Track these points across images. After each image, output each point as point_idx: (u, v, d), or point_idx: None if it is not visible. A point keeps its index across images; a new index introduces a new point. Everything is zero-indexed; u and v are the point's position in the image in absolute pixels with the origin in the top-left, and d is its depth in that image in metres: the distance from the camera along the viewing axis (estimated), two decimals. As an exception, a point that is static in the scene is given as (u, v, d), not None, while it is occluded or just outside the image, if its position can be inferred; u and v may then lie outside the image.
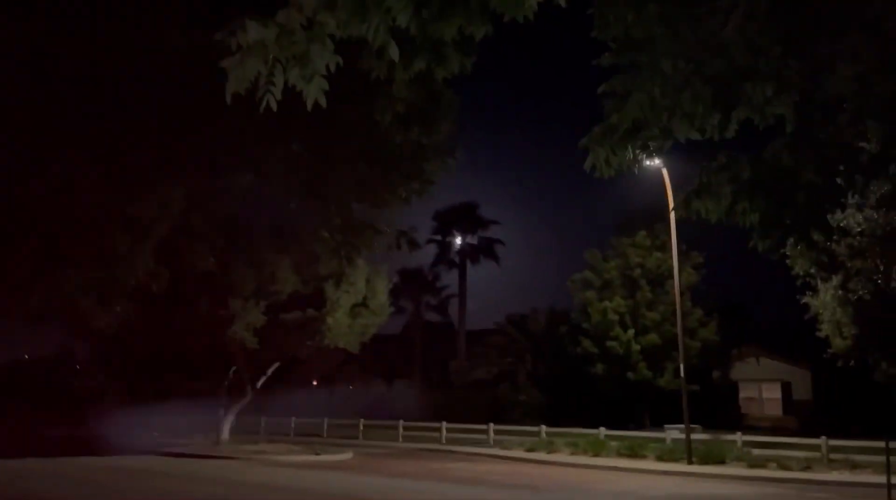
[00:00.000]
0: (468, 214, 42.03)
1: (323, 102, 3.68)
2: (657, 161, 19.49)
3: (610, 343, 28.15)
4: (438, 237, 42.68)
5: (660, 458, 18.20)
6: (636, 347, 27.88)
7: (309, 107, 3.70)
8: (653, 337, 28.14)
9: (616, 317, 28.43)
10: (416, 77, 7.49)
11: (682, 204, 6.00)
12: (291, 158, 8.93)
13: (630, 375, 27.82)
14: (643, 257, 29.59)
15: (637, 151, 5.92)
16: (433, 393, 37.15)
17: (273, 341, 23.32)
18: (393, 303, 27.43)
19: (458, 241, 42.44)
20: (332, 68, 3.58)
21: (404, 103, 8.55)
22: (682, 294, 20.21)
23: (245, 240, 21.84)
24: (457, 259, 42.50)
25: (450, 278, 62.71)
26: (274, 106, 3.63)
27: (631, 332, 28.08)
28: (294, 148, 8.87)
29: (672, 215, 20.16)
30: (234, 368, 24.79)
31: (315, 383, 46.44)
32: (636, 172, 6.31)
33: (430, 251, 42.40)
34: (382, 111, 8.58)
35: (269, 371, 25.11)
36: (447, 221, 42.28)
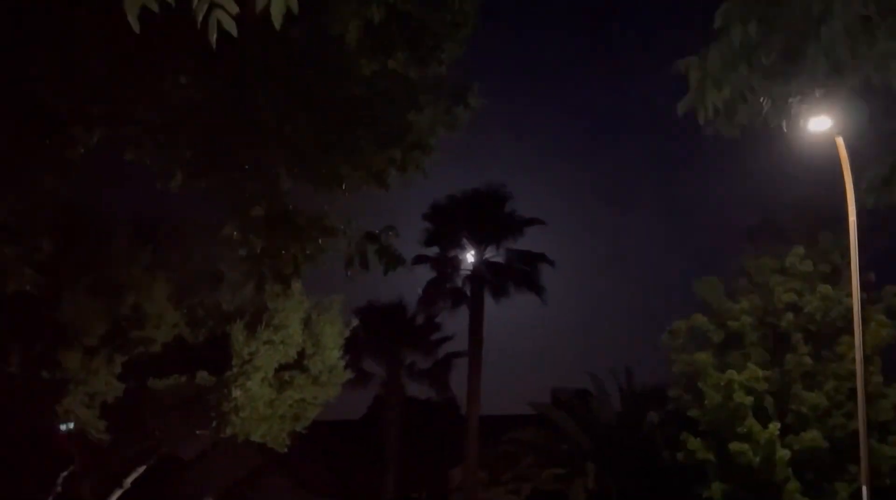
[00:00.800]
0: (490, 211, 41.85)
1: (295, 7, 3.82)
2: (825, 121, 19.35)
3: (737, 446, 27.86)
4: (434, 250, 42.55)
5: None
6: (783, 453, 27.58)
7: (277, 26, 3.87)
8: (813, 436, 27.86)
9: (749, 399, 28.13)
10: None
11: (880, 185, 5.86)
12: (177, 100, 8.75)
13: (772, 502, 27.57)
14: (799, 291, 29.45)
15: (785, 99, 5.82)
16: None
17: (136, 429, 23.24)
18: (351, 364, 27.28)
19: (471, 257, 42.36)
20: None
21: (382, 6, 8.41)
22: (867, 360, 20.01)
23: (90, 245, 21.73)
24: (467, 290, 42.35)
25: (454, 323, 62.53)
26: (233, 30, 3.83)
27: (775, 426, 27.78)
28: (183, 83, 8.70)
29: (852, 218, 20.10)
30: (65, 472, 24.62)
31: (209, 504, 46.34)
32: (784, 127, 6.21)
33: (420, 275, 42.30)
34: (344, 21, 8.45)
35: (128, 481, 24.97)
36: (451, 221, 42.15)
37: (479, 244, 42.23)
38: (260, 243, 9.73)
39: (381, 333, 41.67)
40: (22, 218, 10.51)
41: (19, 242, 10.93)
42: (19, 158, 8.86)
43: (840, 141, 20.37)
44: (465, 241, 42.27)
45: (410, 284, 44.10)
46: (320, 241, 9.96)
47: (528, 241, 43.07)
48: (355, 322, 26.75)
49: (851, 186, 20.21)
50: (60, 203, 11.74)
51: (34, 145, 8.83)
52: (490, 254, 42.51)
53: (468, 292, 42.12)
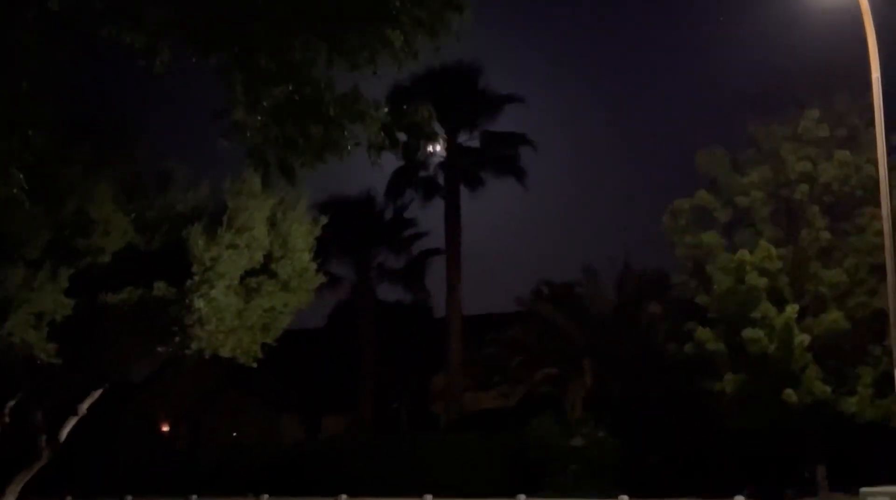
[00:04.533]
0: (461, 89, 41.27)
1: None
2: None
3: (750, 332, 28.04)
4: (401, 137, 41.89)
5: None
6: (801, 337, 27.82)
7: None
8: (834, 317, 28.16)
9: (762, 281, 28.25)
10: None
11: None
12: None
13: (790, 393, 27.91)
14: (814, 160, 29.40)
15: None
16: (399, 441, 37.29)
17: (89, 350, 23.00)
18: (320, 267, 27.10)
19: (440, 145, 41.88)
20: None
21: None
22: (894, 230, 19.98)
23: (22, 141, 21.13)
24: (439, 179, 41.99)
25: (427, 217, 62.22)
26: None
27: (793, 308, 27.92)
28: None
29: (875, 75, 20.09)
30: (12, 402, 24.43)
31: (165, 427, 46.55)
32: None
33: (385, 166, 41.70)
34: None
35: (84, 407, 24.83)
36: (419, 102, 41.52)
37: (451, 128, 41.77)
38: (275, 131, 9.32)
39: (348, 230, 41.28)
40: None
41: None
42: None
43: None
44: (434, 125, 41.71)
45: (374, 175, 43.84)
46: (347, 126, 9.68)
47: (505, 122, 42.76)
48: (324, 220, 26.25)
49: (874, 37, 20.04)
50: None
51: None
52: (463, 139, 42.16)
53: (441, 182, 41.92)
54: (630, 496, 24.36)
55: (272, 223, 24.51)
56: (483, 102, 41.61)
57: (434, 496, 26.71)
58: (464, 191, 41.59)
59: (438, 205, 42.03)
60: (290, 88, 8.97)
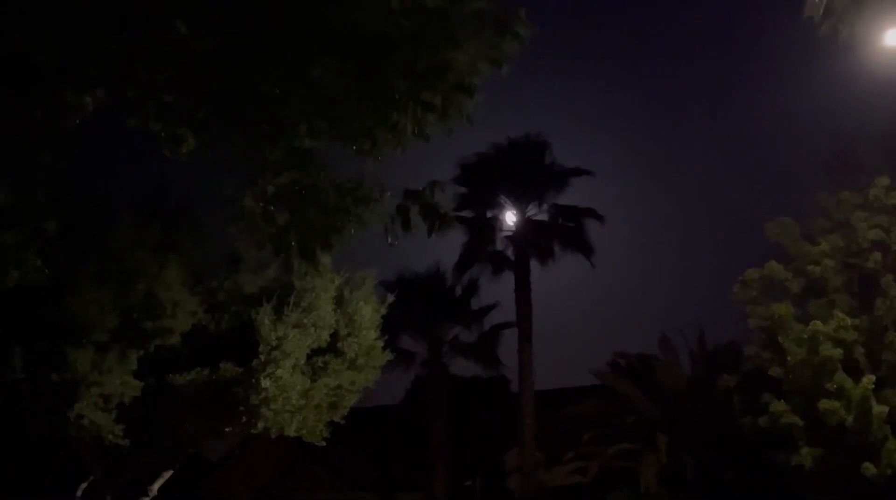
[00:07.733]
0: (528, 163, 41.43)
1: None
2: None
3: (826, 404, 27.49)
4: (466, 213, 41.96)
5: None
6: (879, 409, 27.19)
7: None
8: (914, 389, 27.46)
9: (837, 352, 27.72)
10: None
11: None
12: (180, 53, 8.39)
13: (869, 467, 27.22)
14: (885, 228, 28.94)
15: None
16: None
17: (157, 431, 23.17)
18: (388, 344, 27.05)
19: (510, 217, 41.92)
20: None
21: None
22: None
23: (91, 228, 21.54)
24: (509, 253, 41.93)
25: (496, 291, 62.02)
26: None
27: (869, 379, 27.36)
28: (183, 32, 8.33)
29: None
30: (85, 484, 24.64)
31: (243, 506, 46.49)
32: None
33: (455, 241, 41.81)
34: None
35: (155, 488, 24.94)
36: (485, 179, 41.71)
37: (519, 202, 41.79)
38: (284, 217, 9.34)
39: (418, 307, 41.27)
40: (20, 198, 10.16)
41: (19, 226, 10.54)
42: (8, 129, 8.52)
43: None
44: (502, 199, 41.85)
45: (444, 252, 43.87)
46: (351, 211, 9.60)
47: (573, 195, 42.66)
48: (391, 298, 26.38)
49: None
50: (58, 180, 11.38)
51: (23, 114, 8.49)
52: (532, 212, 42.10)
53: (511, 256, 41.83)
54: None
55: (339, 302, 24.69)
56: (550, 176, 41.58)
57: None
58: (534, 264, 41.46)
59: (509, 279, 41.88)
60: (295, 175, 8.98)
